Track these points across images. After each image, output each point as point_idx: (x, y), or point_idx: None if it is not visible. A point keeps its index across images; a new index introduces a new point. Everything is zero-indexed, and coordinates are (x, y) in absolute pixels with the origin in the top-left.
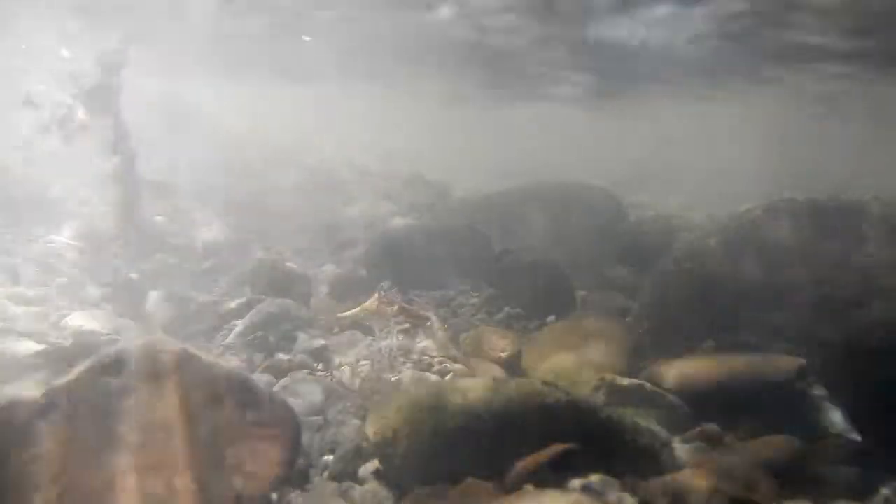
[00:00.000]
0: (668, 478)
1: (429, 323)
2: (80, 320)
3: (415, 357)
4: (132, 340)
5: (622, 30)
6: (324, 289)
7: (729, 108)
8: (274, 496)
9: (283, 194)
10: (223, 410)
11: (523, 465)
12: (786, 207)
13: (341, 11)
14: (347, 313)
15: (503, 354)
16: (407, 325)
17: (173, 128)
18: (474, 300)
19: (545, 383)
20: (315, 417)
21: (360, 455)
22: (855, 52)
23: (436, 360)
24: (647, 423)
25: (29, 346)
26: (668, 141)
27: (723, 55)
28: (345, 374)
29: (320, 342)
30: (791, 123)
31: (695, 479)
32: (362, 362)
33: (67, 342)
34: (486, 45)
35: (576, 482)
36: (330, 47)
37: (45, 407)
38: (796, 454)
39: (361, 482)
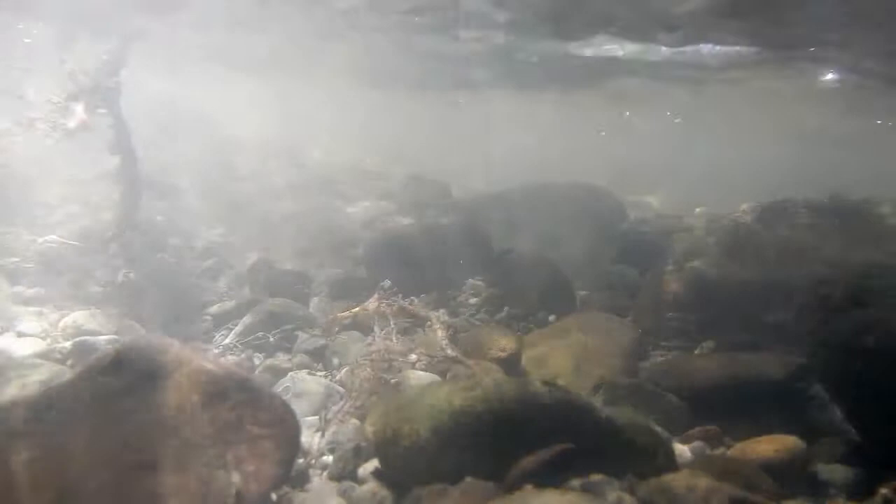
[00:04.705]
0: (668, 478)
1: (429, 323)
2: (80, 320)
3: (415, 357)
4: (132, 340)
5: None
6: (324, 289)
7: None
8: (274, 496)
9: (283, 194)
10: (223, 410)
11: (523, 465)
12: (784, 207)
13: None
14: (347, 313)
15: (503, 354)
16: (407, 325)
17: (173, 127)
18: (474, 300)
19: (545, 383)
20: (315, 417)
21: (360, 455)
22: None
23: (436, 359)
24: (647, 423)
25: (29, 346)
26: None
27: None
28: (345, 374)
29: (320, 342)
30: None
31: (695, 479)
32: (362, 362)
33: (67, 342)
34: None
35: (576, 482)
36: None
37: (45, 407)
38: (796, 454)
39: (361, 482)
